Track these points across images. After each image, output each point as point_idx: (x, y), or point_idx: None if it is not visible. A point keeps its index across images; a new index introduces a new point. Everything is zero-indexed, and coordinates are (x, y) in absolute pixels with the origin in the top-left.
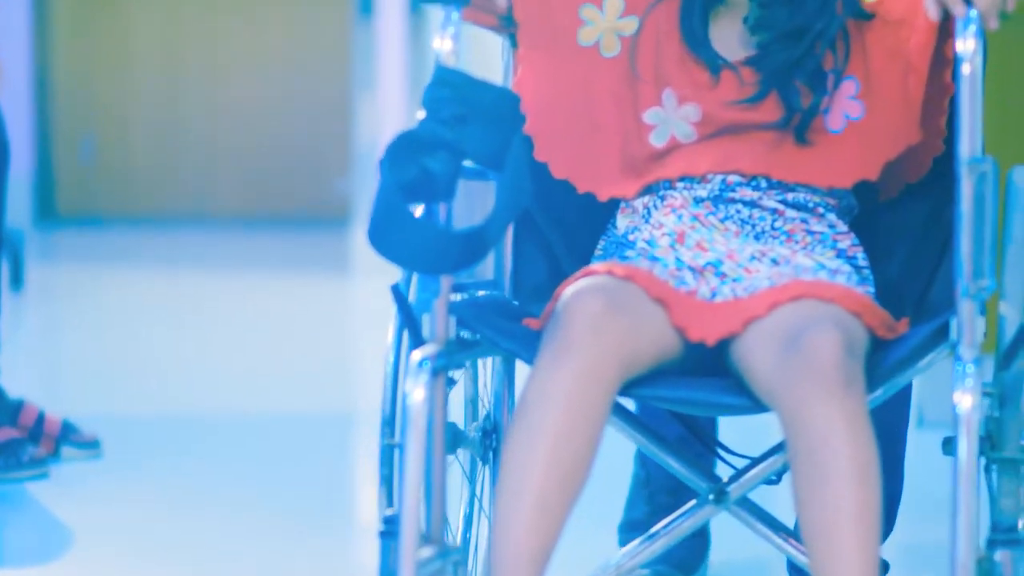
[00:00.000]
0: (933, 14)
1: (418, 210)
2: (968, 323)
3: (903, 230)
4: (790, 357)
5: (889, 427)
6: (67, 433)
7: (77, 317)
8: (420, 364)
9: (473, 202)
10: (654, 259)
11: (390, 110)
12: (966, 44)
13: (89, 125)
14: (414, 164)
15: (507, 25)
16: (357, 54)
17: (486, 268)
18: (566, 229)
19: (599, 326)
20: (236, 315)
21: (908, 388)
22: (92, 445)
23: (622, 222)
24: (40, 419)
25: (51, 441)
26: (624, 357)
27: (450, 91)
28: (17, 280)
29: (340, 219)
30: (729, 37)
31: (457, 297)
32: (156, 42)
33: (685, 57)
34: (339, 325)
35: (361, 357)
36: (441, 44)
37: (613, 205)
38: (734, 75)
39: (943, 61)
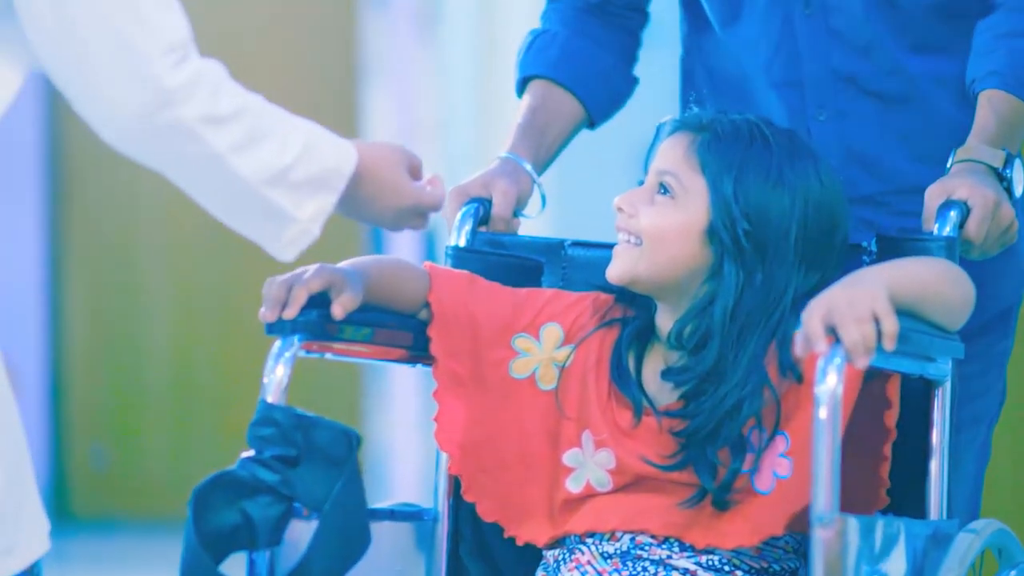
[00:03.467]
0: (799, 350)
1: None
2: None
3: None
4: None
5: None
6: None
7: None
8: None
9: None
10: None
11: None
12: (827, 383)
13: (101, 429)
14: (233, 509)
15: (419, 354)
16: None
17: None
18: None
19: None
20: None
21: None
22: None
23: (539, 572)
24: None
25: None
26: None
27: (275, 430)
28: None
29: None
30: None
31: None
32: (167, 344)
33: (611, 395)
34: None
35: None
36: (272, 375)
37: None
38: (656, 421)
39: (883, 402)
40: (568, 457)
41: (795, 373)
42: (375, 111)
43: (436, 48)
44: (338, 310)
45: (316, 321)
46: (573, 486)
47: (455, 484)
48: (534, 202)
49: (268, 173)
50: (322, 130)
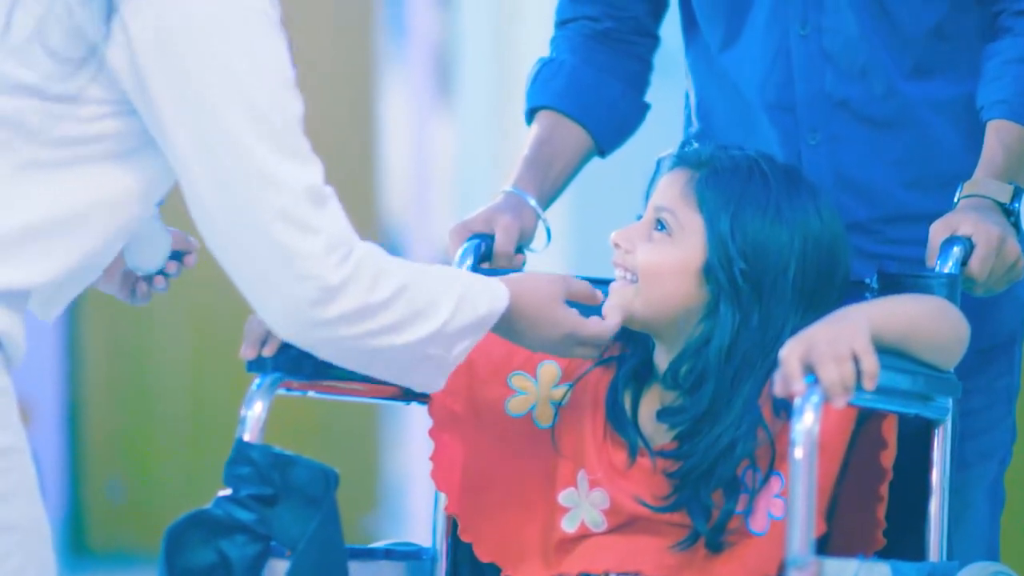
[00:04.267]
0: (778, 389)
1: None
2: None
3: None
4: None
5: None
6: None
7: None
8: None
9: None
10: None
11: None
12: (803, 423)
13: (118, 463)
14: (208, 548)
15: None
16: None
17: None
18: None
19: None
20: None
21: None
22: None
23: None
24: None
25: None
26: None
27: (251, 469)
28: None
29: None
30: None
31: None
32: (183, 378)
33: (606, 434)
34: None
35: None
36: (249, 412)
37: None
38: (650, 462)
39: (879, 442)
40: (564, 497)
41: (789, 413)
42: (392, 162)
43: (453, 100)
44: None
45: (296, 358)
46: (568, 526)
47: (453, 523)
48: (541, 236)
49: (426, 336)
50: (474, 277)
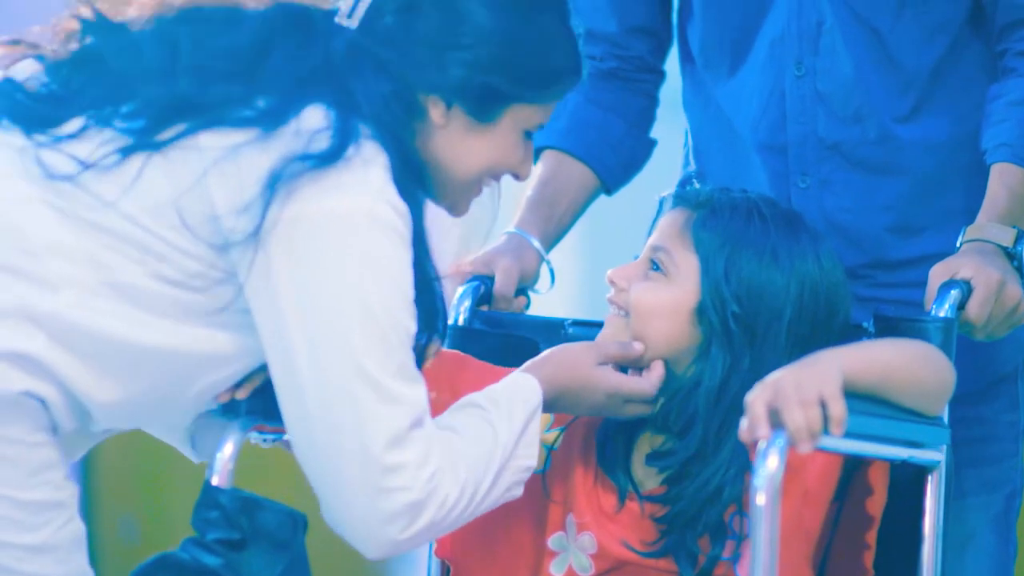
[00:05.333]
0: (744, 435)
1: None
2: None
3: None
4: None
5: None
6: None
7: None
8: None
9: None
10: None
11: None
12: (767, 468)
13: (131, 501)
14: None
15: None
16: None
17: None
18: None
19: None
20: None
21: None
22: None
23: None
24: None
25: None
26: None
27: (219, 513)
28: None
29: None
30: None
31: None
32: None
33: (596, 478)
34: None
35: None
36: (219, 454)
37: None
38: (639, 506)
39: (866, 489)
40: (553, 541)
41: None
42: None
43: None
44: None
45: (270, 402)
46: (556, 570)
47: (446, 568)
48: (546, 278)
49: (491, 485)
50: (503, 391)
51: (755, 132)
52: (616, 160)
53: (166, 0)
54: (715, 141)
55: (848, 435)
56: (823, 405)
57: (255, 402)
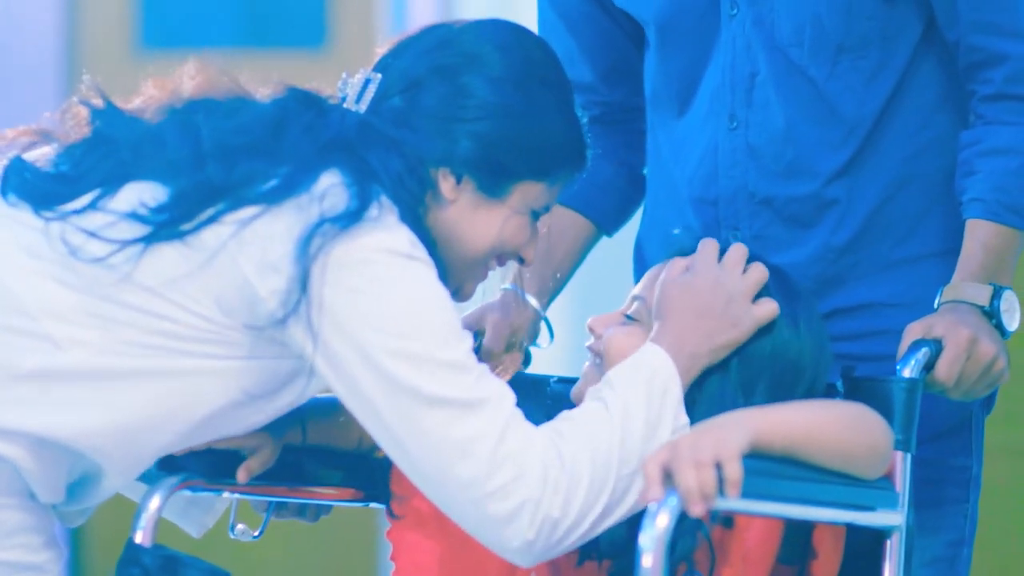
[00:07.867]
0: (640, 498)
1: None
2: None
3: None
4: None
5: None
6: None
7: None
8: None
9: None
10: None
11: None
12: (655, 529)
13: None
14: None
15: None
16: None
17: None
18: None
19: None
20: None
21: None
22: None
23: None
24: None
25: None
26: None
27: (140, 571)
28: None
29: None
30: None
31: None
32: None
33: None
34: None
35: None
36: (144, 510)
37: None
38: (596, 563)
39: (810, 552)
40: None
41: (723, 518)
42: None
43: None
44: (242, 475)
45: (207, 461)
46: None
47: None
48: (545, 332)
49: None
50: (631, 366)
51: (690, 186)
52: (608, 202)
53: (176, 91)
54: (662, 189)
55: (754, 496)
56: (719, 467)
57: (190, 459)
